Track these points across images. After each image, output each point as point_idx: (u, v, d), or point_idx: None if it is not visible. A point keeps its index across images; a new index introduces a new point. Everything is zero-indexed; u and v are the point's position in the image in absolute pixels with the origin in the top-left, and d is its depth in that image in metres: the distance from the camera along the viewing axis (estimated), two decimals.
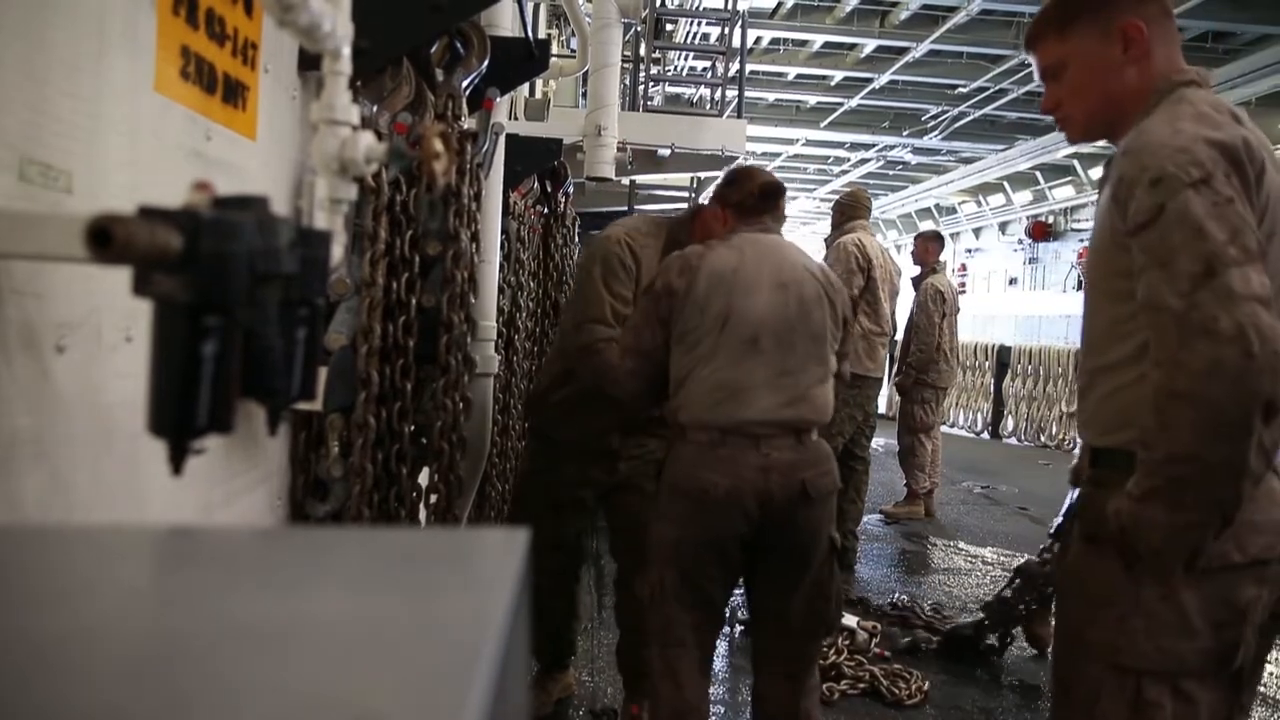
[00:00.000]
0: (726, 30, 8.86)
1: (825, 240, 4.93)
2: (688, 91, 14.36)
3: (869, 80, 15.16)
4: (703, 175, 8.44)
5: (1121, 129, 1.44)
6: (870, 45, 14.19)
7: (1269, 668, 3.75)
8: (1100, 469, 1.40)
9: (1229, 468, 1.18)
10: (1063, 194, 19.95)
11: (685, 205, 9.84)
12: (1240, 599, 1.29)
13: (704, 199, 6.35)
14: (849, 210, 4.78)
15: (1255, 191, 1.26)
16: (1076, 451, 1.48)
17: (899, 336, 5.94)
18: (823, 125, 17.46)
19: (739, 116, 7.86)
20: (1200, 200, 1.22)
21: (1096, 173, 18.78)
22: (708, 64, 12.89)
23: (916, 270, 6.08)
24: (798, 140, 18.74)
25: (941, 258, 6.14)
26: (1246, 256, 1.19)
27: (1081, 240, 20.16)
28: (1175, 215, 1.22)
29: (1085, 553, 1.38)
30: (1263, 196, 1.27)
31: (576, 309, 2.57)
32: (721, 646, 3.62)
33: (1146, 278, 1.25)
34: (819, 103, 17.05)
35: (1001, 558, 5.14)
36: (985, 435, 11.00)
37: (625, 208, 7.49)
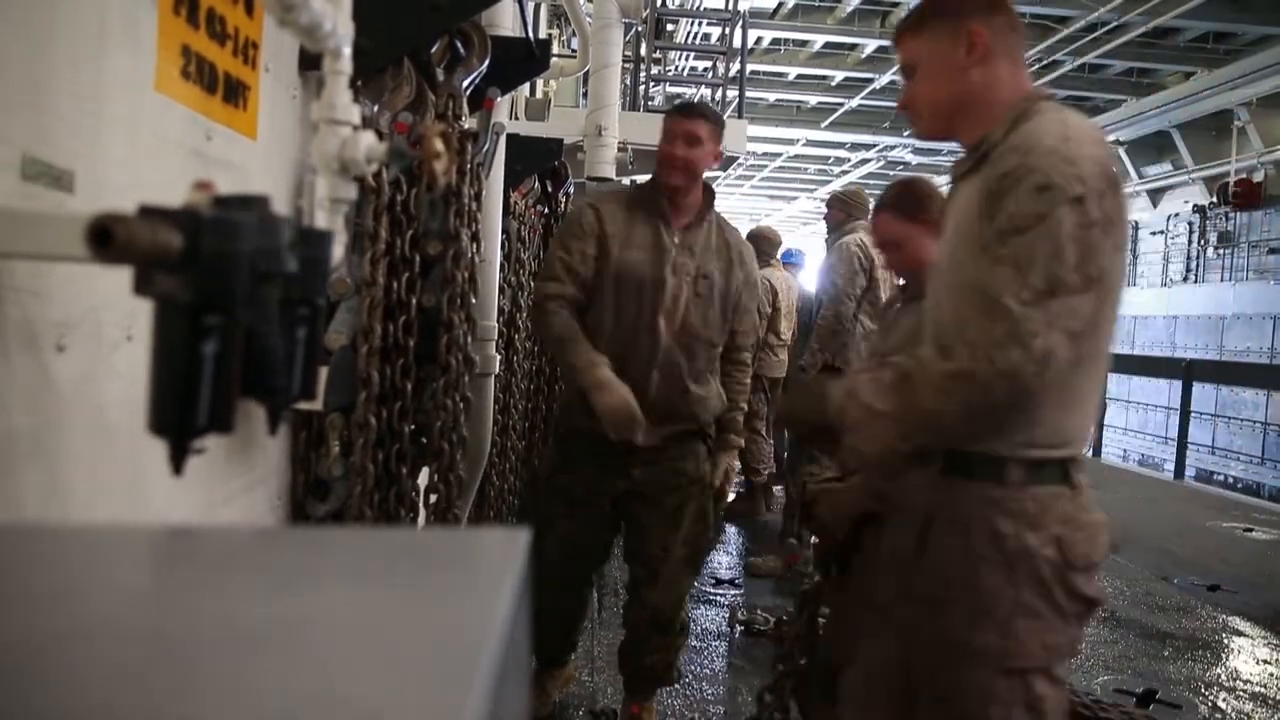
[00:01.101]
0: (727, 30, 8.86)
1: (825, 240, 4.92)
2: (688, 91, 14.36)
3: (870, 80, 15.16)
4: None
5: (965, 130, 1.51)
6: (871, 45, 14.18)
7: (1269, 668, 3.75)
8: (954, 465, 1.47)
9: (953, 434, 1.41)
10: None
11: None
12: (1091, 594, 1.43)
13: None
14: (849, 210, 4.76)
15: (1118, 219, 1.35)
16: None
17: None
18: (823, 125, 17.46)
19: (740, 117, 7.85)
20: (1071, 219, 1.30)
21: None
22: (708, 64, 12.90)
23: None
24: (798, 140, 18.74)
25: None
26: (1085, 285, 1.30)
27: None
28: (1047, 229, 1.31)
29: (963, 562, 1.44)
30: (1123, 216, 1.38)
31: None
32: (721, 647, 3.62)
33: (998, 269, 1.33)
34: (820, 103, 17.05)
35: None
36: None
37: None
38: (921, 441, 1.45)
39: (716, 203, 2.69)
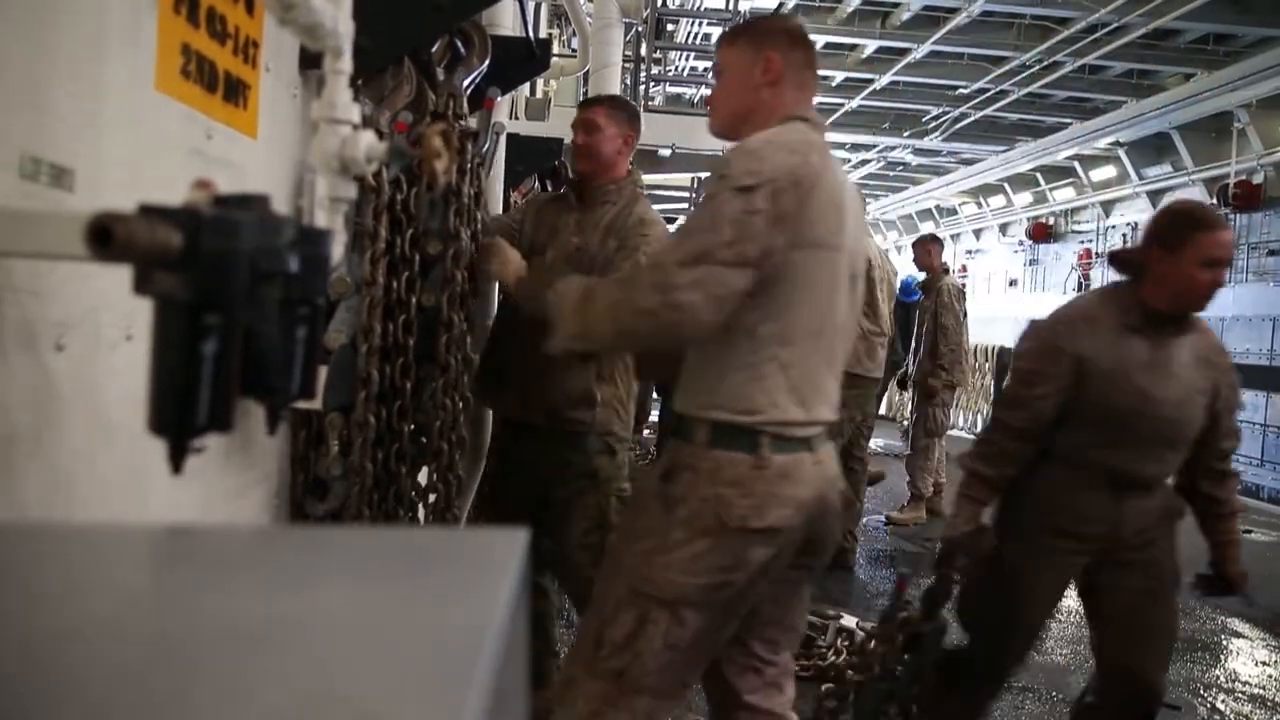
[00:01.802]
0: (727, 30, 8.85)
1: None
2: (689, 91, 14.36)
3: (870, 81, 15.16)
4: (703, 175, 8.44)
5: (738, 135, 1.72)
6: (871, 46, 14.18)
7: (1268, 670, 3.75)
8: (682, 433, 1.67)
9: (614, 346, 1.87)
10: (1063, 195, 19.94)
11: (686, 205, 9.84)
12: (750, 556, 1.59)
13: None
14: None
15: (800, 200, 1.55)
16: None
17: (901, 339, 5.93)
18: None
19: None
20: (735, 203, 1.52)
21: (1098, 175, 18.86)
22: (709, 64, 12.90)
23: (921, 275, 6.07)
24: None
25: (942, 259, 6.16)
26: (736, 260, 1.51)
27: (1082, 242, 20.17)
28: (711, 205, 1.55)
29: (645, 494, 1.70)
30: (808, 218, 1.56)
31: None
32: None
33: (672, 237, 1.59)
34: (820, 103, 17.00)
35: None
36: None
37: None
38: (594, 346, 1.77)
39: None
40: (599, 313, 1.59)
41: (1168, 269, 2.14)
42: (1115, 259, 2.38)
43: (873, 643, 2.44)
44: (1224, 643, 4.06)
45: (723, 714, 1.85)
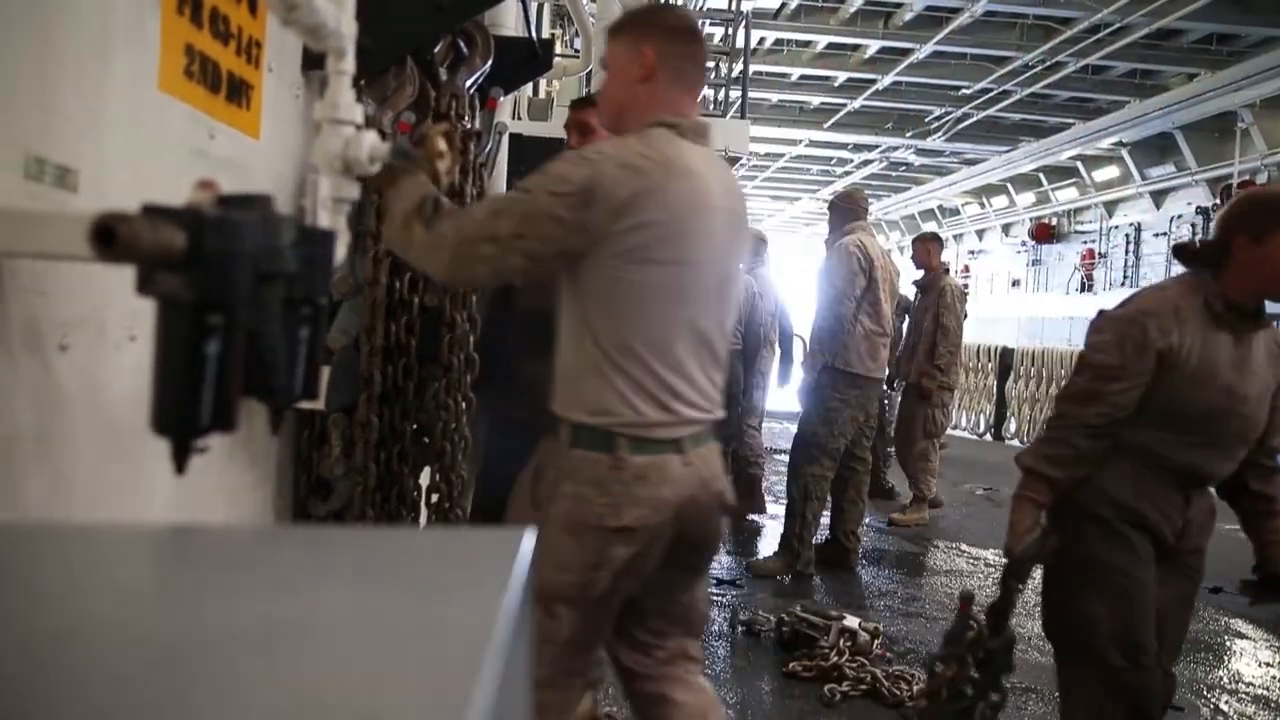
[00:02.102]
0: (730, 31, 8.86)
1: (825, 241, 4.91)
2: None
3: (872, 81, 15.15)
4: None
5: (629, 130, 1.72)
6: (874, 46, 14.17)
7: (1272, 671, 3.74)
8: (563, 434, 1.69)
9: (400, 254, 1.75)
10: (1066, 196, 19.91)
11: None
12: (611, 554, 1.62)
13: None
14: (848, 211, 4.75)
15: (615, 216, 1.57)
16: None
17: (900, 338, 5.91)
18: (826, 126, 17.45)
19: (742, 117, 7.85)
20: (542, 201, 1.57)
21: (1100, 175, 18.82)
22: (711, 64, 12.90)
23: (920, 274, 6.05)
24: (801, 141, 18.73)
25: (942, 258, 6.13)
26: (524, 253, 1.57)
27: (1085, 242, 20.15)
28: (523, 193, 1.60)
29: (517, 494, 1.78)
30: (630, 219, 1.59)
31: None
32: (722, 648, 3.62)
33: (493, 202, 1.69)
34: (822, 103, 17.03)
35: (1003, 560, 5.14)
36: (988, 437, 10.98)
37: None
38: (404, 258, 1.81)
39: None
40: (413, 242, 1.63)
41: (1254, 258, 2.05)
42: (1185, 251, 2.25)
43: (939, 666, 2.39)
44: (1227, 643, 4.05)
45: (629, 691, 1.89)
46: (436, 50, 2.11)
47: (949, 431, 7.14)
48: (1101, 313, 2.24)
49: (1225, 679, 3.64)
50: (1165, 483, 2.15)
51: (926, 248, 6.08)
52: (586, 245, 1.58)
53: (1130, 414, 2.12)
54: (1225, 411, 2.09)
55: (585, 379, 1.63)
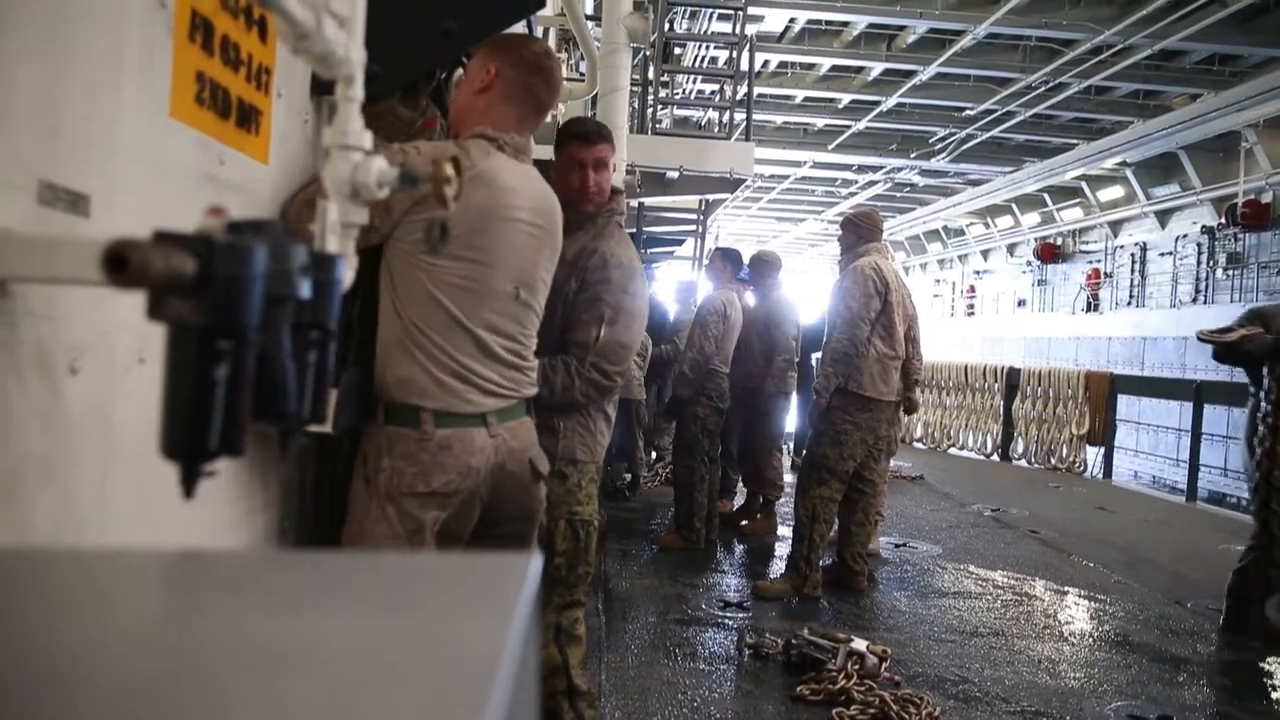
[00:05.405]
0: (735, 54, 8.92)
1: (838, 262, 4.90)
2: (696, 114, 14.46)
3: (877, 103, 15.23)
4: (711, 197, 8.48)
5: (457, 135, 1.92)
6: (878, 68, 14.26)
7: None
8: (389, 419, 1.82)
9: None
10: (1071, 216, 19.93)
11: (693, 227, 9.87)
12: (426, 517, 1.78)
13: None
14: (863, 232, 4.72)
15: (411, 206, 1.69)
16: None
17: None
18: (831, 147, 17.52)
19: (747, 139, 7.89)
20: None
21: (1104, 195, 18.84)
22: (716, 87, 12.98)
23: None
24: (805, 162, 18.80)
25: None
26: (378, 220, 1.67)
27: (1090, 262, 20.13)
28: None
29: (354, 478, 1.85)
30: (423, 212, 1.71)
31: None
32: (730, 671, 3.59)
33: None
34: (827, 125, 17.12)
35: (1012, 581, 5.09)
36: (995, 458, 10.94)
37: (633, 230, 7.52)
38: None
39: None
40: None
41: None
42: None
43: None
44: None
45: None
46: (446, 74, 2.13)
47: (955, 451, 7.07)
48: None
49: (1238, 702, 3.60)
50: None
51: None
52: (388, 226, 1.72)
53: None
54: None
55: (393, 352, 1.78)
